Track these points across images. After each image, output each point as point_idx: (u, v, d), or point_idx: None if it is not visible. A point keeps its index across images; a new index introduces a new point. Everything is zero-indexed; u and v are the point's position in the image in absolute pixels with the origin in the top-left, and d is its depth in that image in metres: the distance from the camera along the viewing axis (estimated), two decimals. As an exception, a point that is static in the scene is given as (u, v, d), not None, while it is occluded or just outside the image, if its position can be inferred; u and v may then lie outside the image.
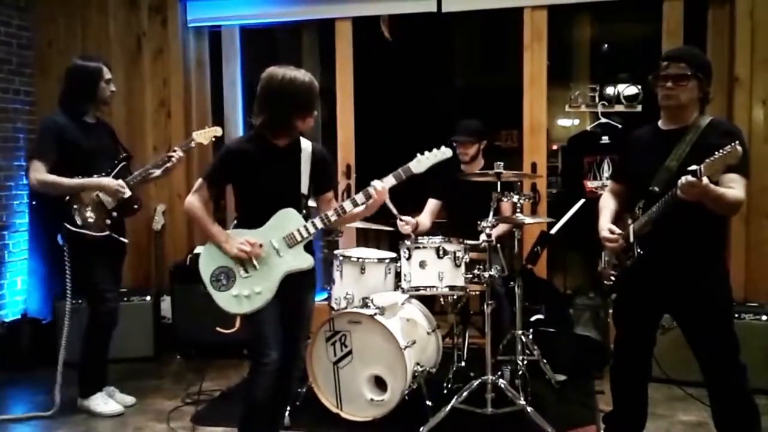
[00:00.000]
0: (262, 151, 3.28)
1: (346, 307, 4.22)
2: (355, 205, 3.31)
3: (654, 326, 3.38)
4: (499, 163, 4.12)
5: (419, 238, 4.27)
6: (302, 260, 3.31)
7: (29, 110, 5.95)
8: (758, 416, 3.15)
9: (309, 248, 3.36)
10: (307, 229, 3.28)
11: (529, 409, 3.83)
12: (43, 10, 6.00)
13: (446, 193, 5.02)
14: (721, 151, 2.70)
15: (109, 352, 4.44)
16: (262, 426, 3.38)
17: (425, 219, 4.99)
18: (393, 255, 4.42)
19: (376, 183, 3.30)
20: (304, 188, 3.35)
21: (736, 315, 4.20)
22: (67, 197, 4.14)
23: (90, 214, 4.17)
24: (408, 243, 4.20)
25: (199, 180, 3.39)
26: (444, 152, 3.39)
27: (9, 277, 5.78)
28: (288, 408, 3.87)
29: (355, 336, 4.04)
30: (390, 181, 3.31)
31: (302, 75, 3.21)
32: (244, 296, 3.25)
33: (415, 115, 7.38)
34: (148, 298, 5.44)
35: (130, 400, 4.49)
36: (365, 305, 4.12)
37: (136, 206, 4.37)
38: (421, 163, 3.35)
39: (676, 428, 4.04)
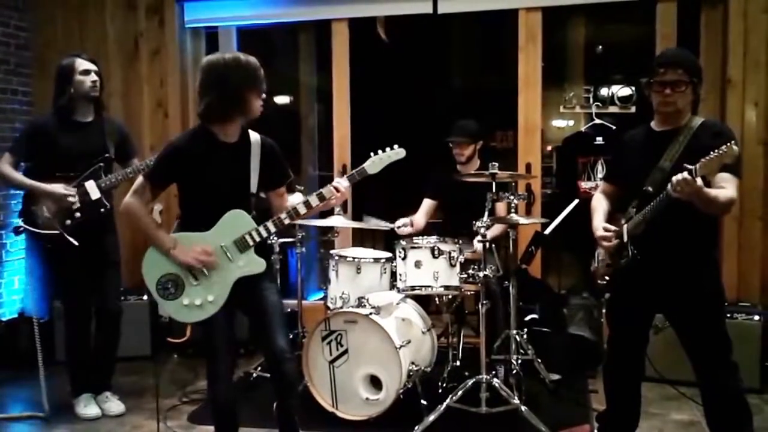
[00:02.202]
0: (208, 148, 3.12)
1: (341, 307, 4.24)
2: (309, 207, 3.20)
3: (647, 325, 3.40)
4: (494, 163, 4.14)
5: (414, 237, 4.29)
6: (255, 265, 3.18)
7: (27, 110, 5.96)
8: (750, 415, 3.18)
9: (261, 250, 3.24)
10: (259, 233, 3.15)
11: (523, 408, 3.86)
12: (41, 10, 6.01)
13: (442, 193, 5.05)
14: (717, 150, 2.74)
15: (91, 356, 4.43)
16: (234, 424, 3.35)
17: (420, 218, 5.01)
18: (388, 255, 4.44)
19: (340, 181, 3.20)
20: (253, 186, 3.20)
21: (729, 315, 4.22)
22: (30, 193, 4.18)
23: (47, 212, 4.13)
24: (403, 243, 4.22)
25: (140, 179, 3.19)
26: (398, 152, 3.29)
27: (6, 276, 5.79)
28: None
29: (350, 335, 4.06)
30: (345, 183, 3.21)
31: (243, 55, 3.09)
32: (196, 305, 3.13)
33: (410, 116, 7.39)
34: (145, 297, 5.45)
35: (116, 410, 4.38)
36: (361, 305, 4.14)
37: (102, 209, 4.23)
38: (375, 164, 3.25)
39: (669, 427, 4.07)
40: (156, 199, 3.24)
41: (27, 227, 4.17)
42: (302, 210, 3.19)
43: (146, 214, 3.18)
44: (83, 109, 4.27)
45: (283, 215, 3.18)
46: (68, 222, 4.15)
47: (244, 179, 3.19)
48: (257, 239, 3.16)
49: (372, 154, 3.27)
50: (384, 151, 3.29)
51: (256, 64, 3.11)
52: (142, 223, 3.17)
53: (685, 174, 2.81)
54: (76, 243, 4.14)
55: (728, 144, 2.74)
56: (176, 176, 3.18)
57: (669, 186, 2.90)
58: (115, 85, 5.91)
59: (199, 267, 3.11)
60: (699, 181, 2.79)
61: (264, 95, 3.17)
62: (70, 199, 4.13)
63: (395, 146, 3.30)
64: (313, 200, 3.20)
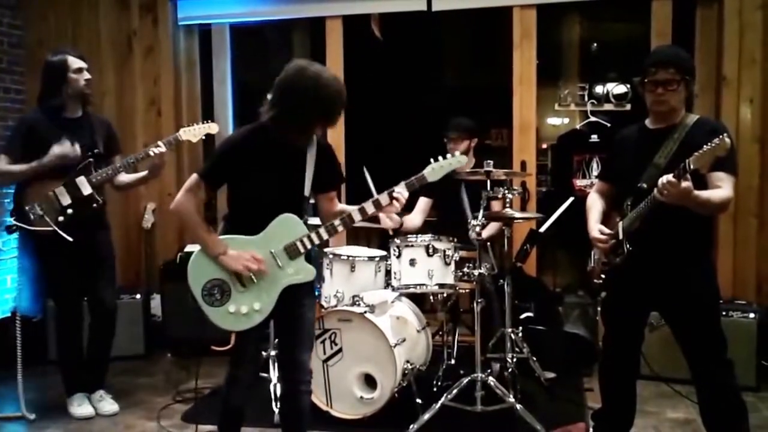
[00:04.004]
0: (268, 148, 2.94)
1: (336, 305, 4.22)
2: (364, 215, 3.03)
3: (642, 323, 3.41)
4: (489, 161, 4.13)
5: (409, 236, 4.27)
6: (305, 273, 3.03)
7: (19, 109, 5.92)
8: (745, 413, 3.18)
9: (308, 257, 3.08)
10: (311, 240, 2.98)
11: (518, 406, 3.84)
12: (34, 8, 5.98)
13: (437, 191, 5.02)
14: (709, 144, 2.74)
15: (85, 355, 4.41)
16: (239, 426, 3.29)
17: (416, 217, 5.00)
18: (383, 253, 4.42)
19: (399, 190, 3.02)
20: (307, 190, 3.03)
21: (724, 313, 4.22)
22: (21, 191, 4.13)
23: (39, 209, 4.09)
24: (398, 241, 4.20)
25: (194, 177, 3.00)
26: (459, 159, 3.12)
27: (-1, 275, 5.78)
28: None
29: (345, 334, 4.05)
30: (404, 192, 3.03)
31: (333, 79, 2.90)
32: (242, 314, 2.99)
33: (405, 114, 7.38)
34: (138, 296, 5.44)
35: (110, 409, 4.36)
36: (355, 303, 4.13)
37: (95, 204, 4.20)
38: (435, 171, 3.09)
39: (665, 425, 4.06)
40: (208, 198, 3.11)
41: (20, 224, 4.12)
42: (357, 217, 3.04)
43: (198, 215, 3.05)
44: (73, 106, 4.25)
45: (336, 222, 3.02)
46: (61, 219, 4.11)
47: (299, 182, 3.02)
48: (309, 246, 3.00)
49: (432, 160, 3.11)
50: (445, 158, 3.12)
51: (340, 92, 2.91)
52: (193, 224, 3.03)
53: (670, 176, 2.81)
54: (70, 239, 4.10)
55: (721, 137, 2.74)
56: (234, 175, 3.00)
57: (655, 190, 2.90)
58: (108, 83, 5.89)
59: (249, 275, 2.97)
60: (685, 183, 2.78)
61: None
62: (74, 150, 4.09)
63: (456, 153, 3.14)
64: (369, 207, 3.04)
